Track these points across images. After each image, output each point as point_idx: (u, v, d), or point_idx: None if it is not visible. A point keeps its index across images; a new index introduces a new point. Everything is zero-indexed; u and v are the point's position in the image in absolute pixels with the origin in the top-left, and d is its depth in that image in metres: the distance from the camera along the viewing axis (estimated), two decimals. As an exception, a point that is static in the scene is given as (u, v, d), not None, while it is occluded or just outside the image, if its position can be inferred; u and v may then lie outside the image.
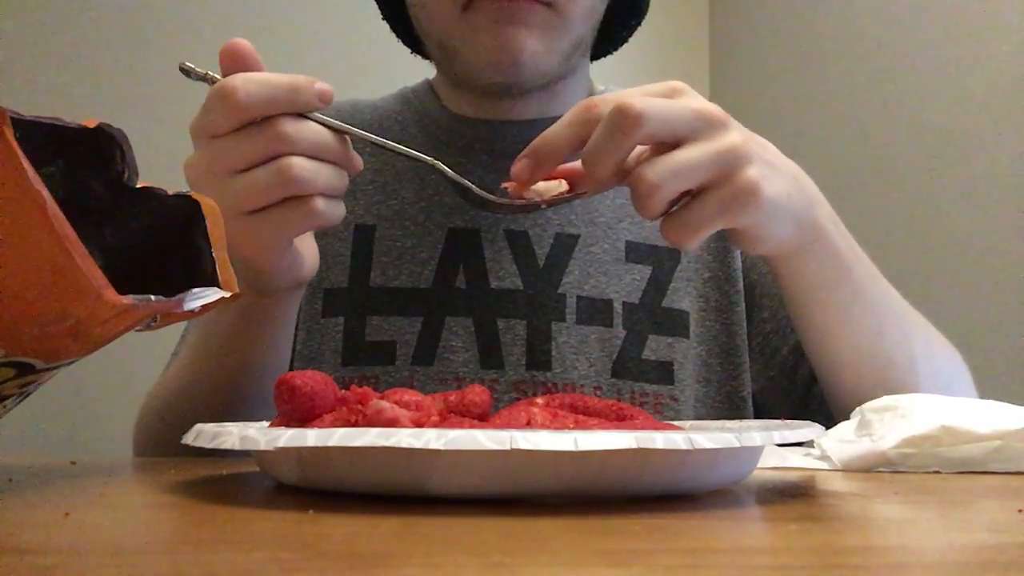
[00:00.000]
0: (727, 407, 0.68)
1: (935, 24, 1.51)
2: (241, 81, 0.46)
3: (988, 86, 1.40)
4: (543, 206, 0.51)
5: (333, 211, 0.49)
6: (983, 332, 1.36)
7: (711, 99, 0.46)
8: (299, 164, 0.46)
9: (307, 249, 0.55)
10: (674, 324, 0.67)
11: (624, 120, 0.43)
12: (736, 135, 0.46)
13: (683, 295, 0.68)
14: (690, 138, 0.45)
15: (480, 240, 0.67)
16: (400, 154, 0.50)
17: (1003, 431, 0.44)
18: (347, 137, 0.49)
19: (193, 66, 0.48)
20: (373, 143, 0.49)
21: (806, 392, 0.68)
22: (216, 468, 0.45)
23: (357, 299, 0.67)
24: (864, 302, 0.57)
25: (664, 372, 0.66)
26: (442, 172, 0.51)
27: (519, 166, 0.48)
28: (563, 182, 0.53)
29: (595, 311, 0.66)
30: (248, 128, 0.46)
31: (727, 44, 2.15)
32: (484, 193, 0.51)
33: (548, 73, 0.64)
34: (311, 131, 0.47)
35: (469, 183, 0.51)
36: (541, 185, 0.52)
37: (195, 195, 0.41)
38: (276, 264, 0.52)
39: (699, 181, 0.45)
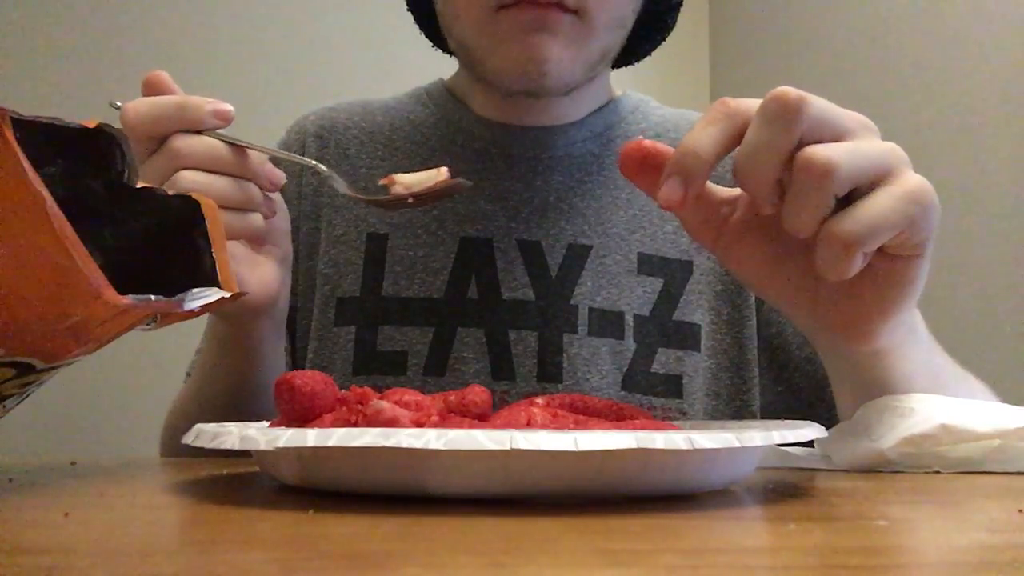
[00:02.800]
0: (737, 420, 0.67)
1: (935, 25, 1.51)
2: (131, 104, 0.49)
3: (988, 86, 1.40)
4: (410, 200, 0.52)
5: (237, 223, 0.50)
6: (983, 332, 1.36)
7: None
8: (185, 176, 0.48)
9: (255, 275, 0.55)
10: (684, 337, 0.67)
11: (817, 174, 0.38)
12: (914, 175, 0.40)
13: (695, 308, 0.67)
14: (877, 182, 0.40)
15: (492, 250, 0.67)
16: (286, 160, 0.54)
17: (1003, 430, 0.44)
18: (249, 151, 0.50)
19: (117, 103, 0.51)
20: (266, 152, 0.52)
21: (808, 408, 0.68)
22: (216, 468, 0.45)
23: (369, 308, 0.67)
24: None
25: (673, 385, 0.65)
26: (319, 173, 0.54)
27: (666, 190, 0.41)
28: (443, 170, 0.52)
29: (607, 323, 0.66)
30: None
31: (727, 44, 2.15)
32: (352, 192, 0.54)
33: (572, 82, 0.64)
34: (201, 144, 0.49)
35: (346, 188, 0.54)
36: (411, 177, 0.52)
37: (195, 195, 0.41)
38: None
39: (895, 233, 0.40)
